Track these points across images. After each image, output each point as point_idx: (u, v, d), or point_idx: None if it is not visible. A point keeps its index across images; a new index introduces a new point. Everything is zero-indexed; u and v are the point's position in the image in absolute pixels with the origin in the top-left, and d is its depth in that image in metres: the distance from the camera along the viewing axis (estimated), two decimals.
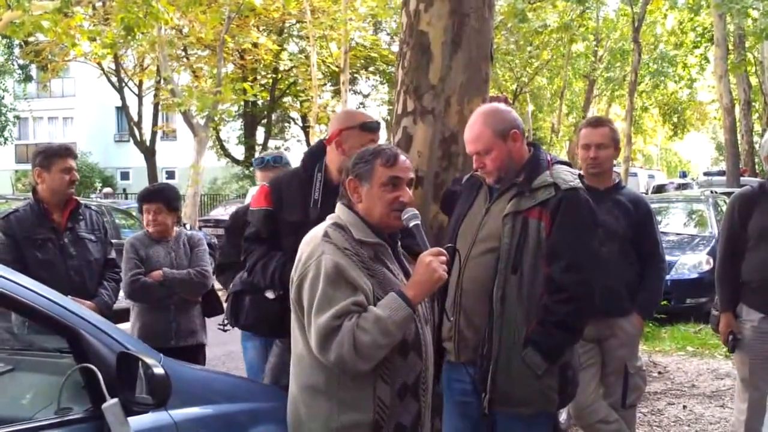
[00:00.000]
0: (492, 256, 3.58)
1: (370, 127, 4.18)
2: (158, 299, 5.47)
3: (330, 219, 3.21)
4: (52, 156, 5.11)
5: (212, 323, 5.71)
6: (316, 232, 3.15)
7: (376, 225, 3.17)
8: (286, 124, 44.36)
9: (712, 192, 15.73)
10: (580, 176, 3.74)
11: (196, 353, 5.55)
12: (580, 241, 3.57)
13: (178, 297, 5.52)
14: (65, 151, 5.17)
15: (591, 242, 3.65)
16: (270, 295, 4.26)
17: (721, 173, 27.15)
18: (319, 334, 2.93)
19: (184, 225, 6.18)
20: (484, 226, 3.69)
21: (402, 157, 3.23)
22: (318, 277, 2.98)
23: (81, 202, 5.40)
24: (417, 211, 3.21)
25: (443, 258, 3.08)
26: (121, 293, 5.46)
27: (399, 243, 3.33)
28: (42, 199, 5.13)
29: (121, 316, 5.45)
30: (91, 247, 5.24)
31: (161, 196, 5.60)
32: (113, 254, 5.49)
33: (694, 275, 12.01)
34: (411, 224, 3.17)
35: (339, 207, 3.25)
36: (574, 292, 3.51)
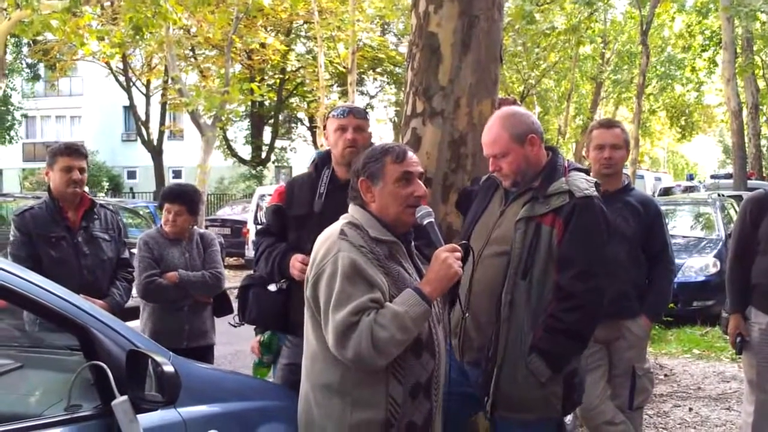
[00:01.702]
0: (503, 259, 3.58)
1: (339, 113, 4.29)
2: (172, 300, 5.48)
3: (344, 218, 3.23)
4: (55, 154, 5.11)
5: (220, 322, 5.71)
6: (331, 231, 3.17)
7: (390, 223, 3.19)
8: (293, 125, 44.40)
9: (719, 195, 15.72)
10: (597, 184, 3.73)
11: (205, 353, 5.56)
12: (592, 249, 3.55)
13: (192, 299, 5.53)
14: (66, 150, 5.13)
15: (603, 251, 3.63)
16: (272, 287, 4.32)
17: (728, 176, 27.06)
18: (337, 330, 2.95)
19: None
20: (498, 228, 3.70)
21: (410, 153, 3.27)
22: (335, 273, 3.00)
23: (97, 201, 5.41)
24: (431, 209, 3.24)
25: (458, 254, 3.11)
26: (134, 291, 5.46)
27: (412, 243, 3.35)
28: (55, 197, 5.15)
29: (130, 313, 5.45)
30: (105, 246, 5.24)
31: (186, 199, 5.60)
32: (127, 254, 5.48)
33: (701, 278, 12.00)
34: (425, 222, 3.20)
35: (352, 207, 3.26)
36: (583, 300, 3.50)
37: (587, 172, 3.84)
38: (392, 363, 3.03)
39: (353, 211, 3.25)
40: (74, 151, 5.17)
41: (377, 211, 3.20)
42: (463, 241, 3.47)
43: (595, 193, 3.64)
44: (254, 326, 5.22)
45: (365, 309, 2.95)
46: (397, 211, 3.19)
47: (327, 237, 3.16)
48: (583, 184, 3.63)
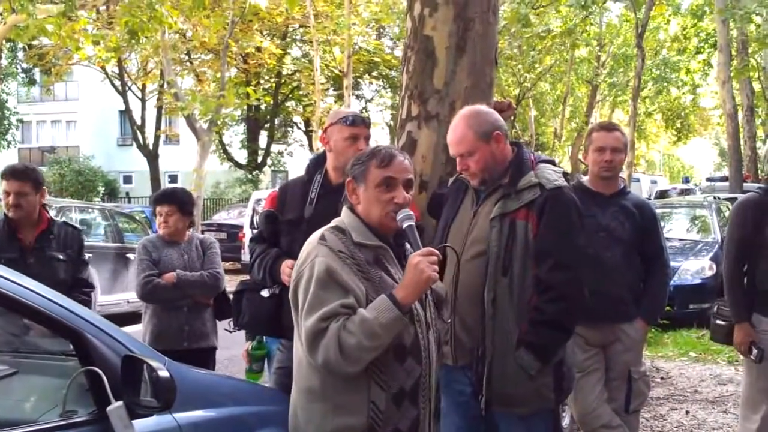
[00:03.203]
0: (482, 259, 3.62)
1: (351, 121, 4.27)
2: (171, 300, 5.50)
3: (334, 222, 3.20)
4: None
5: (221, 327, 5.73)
6: (315, 236, 3.13)
7: (375, 227, 3.14)
8: (289, 129, 44.41)
9: (715, 198, 15.74)
10: (564, 173, 3.76)
11: (206, 356, 5.61)
12: (567, 239, 3.60)
13: (191, 299, 5.55)
14: (4, 175, 5.07)
15: (577, 240, 3.68)
16: (265, 293, 4.32)
17: (723, 179, 27.07)
18: (307, 336, 2.93)
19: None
20: (473, 230, 3.73)
21: (399, 158, 3.17)
22: (311, 279, 2.97)
23: (55, 220, 5.38)
24: (411, 212, 3.14)
25: (433, 258, 3.00)
26: (131, 295, 5.46)
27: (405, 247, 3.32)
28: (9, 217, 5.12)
29: (128, 319, 5.45)
30: (59, 267, 5.19)
31: (174, 199, 5.64)
32: (86, 274, 5.49)
33: (697, 281, 12.03)
34: (404, 225, 3.10)
35: (344, 210, 3.23)
36: (563, 290, 3.54)
37: (554, 162, 3.88)
38: (374, 369, 2.98)
39: (343, 214, 3.21)
40: (10, 174, 5.08)
41: (362, 213, 3.16)
42: (444, 244, 3.47)
43: (565, 183, 3.69)
44: (246, 332, 5.25)
45: (335, 315, 2.90)
46: (379, 215, 3.12)
47: (309, 242, 3.12)
48: (552, 175, 3.68)
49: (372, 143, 4.22)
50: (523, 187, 3.62)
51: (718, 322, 5.22)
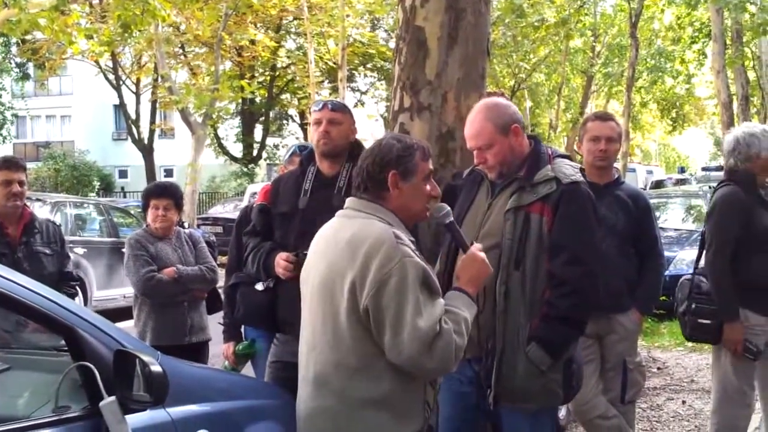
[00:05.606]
0: (495, 252, 3.56)
1: (317, 107, 4.31)
2: (173, 296, 5.49)
3: (365, 217, 3.07)
4: None
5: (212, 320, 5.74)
6: (379, 234, 2.95)
7: (405, 221, 3.12)
8: (284, 122, 44.38)
9: (710, 187, 15.73)
10: (581, 170, 3.74)
11: (202, 348, 5.64)
12: (582, 234, 3.57)
13: (191, 294, 5.56)
14: (5, 164, 5.15)
15: (593, 236, 3.65)
16: (259, 287, 4.30)
17: (719, 168, 27.01)
18: (423, 340, 2.83)
19: (183, 224, 6.27)
20: (487, 222, 3.69)
21: None
22: (405, 280, 2.86)
23: (36, 215, 5.45)
24: (449, 207, 3.25)
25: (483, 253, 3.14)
26: (127, 290, 5.46)
27: None
28: None
29: (118, 315, 5.43)
30: (46, 261, 5.25)
31: (171, 193, 5.63)
32: (70, 267, 5.54)
33: None
34: (447, 221, 3.20)
35: (371, 204, 3.10)
36: (577, 285, 3.51)
37: (570, 158, 3.85)
38: None
39: (372, 209, 3.08)
40: (12, 164, 5.19)
41: (398, 207, 3.08)
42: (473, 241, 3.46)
43: (581, 179, 3.67)
44: (224, 333, 5.26)
45: (442, 316, 2.90)
46: (419, 208, 3.14)
47: (377, 241, 2.93)
48: (569, 170, 3.65)
49: (367, 136, 4.20)
50: (540, 181, 3.59)
51: (702, 320, 5.03)
